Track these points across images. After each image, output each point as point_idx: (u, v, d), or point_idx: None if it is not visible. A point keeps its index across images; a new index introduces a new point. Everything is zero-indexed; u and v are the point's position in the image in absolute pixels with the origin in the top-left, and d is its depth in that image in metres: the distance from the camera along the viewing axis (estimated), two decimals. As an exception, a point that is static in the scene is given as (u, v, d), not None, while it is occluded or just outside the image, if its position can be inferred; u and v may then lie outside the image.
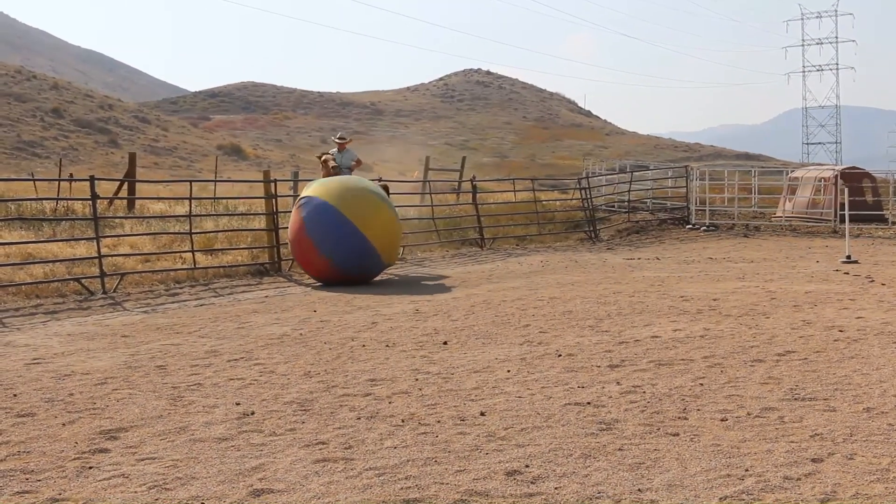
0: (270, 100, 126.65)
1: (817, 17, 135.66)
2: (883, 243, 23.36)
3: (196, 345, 9.78)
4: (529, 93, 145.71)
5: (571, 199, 30.52)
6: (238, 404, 7.05)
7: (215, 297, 14.06)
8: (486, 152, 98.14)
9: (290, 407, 6.95)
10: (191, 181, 18.78)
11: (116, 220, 18.77)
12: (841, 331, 9.96)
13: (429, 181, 26.75)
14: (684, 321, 10.82)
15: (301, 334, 10.36)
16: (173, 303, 13.41)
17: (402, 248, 20.28)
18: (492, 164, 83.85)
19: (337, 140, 18.46)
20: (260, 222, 18.63)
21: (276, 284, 15.55)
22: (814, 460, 5.50)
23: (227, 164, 68.72)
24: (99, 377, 8.13)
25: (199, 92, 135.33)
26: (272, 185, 17.81)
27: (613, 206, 32.26)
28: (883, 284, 14.14)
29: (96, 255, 14.67)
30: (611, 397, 7.09)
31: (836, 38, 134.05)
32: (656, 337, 9.74)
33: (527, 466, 5.45)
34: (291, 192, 26.17)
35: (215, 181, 26.96)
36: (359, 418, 6.59)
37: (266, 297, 14.01)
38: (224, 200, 23.50)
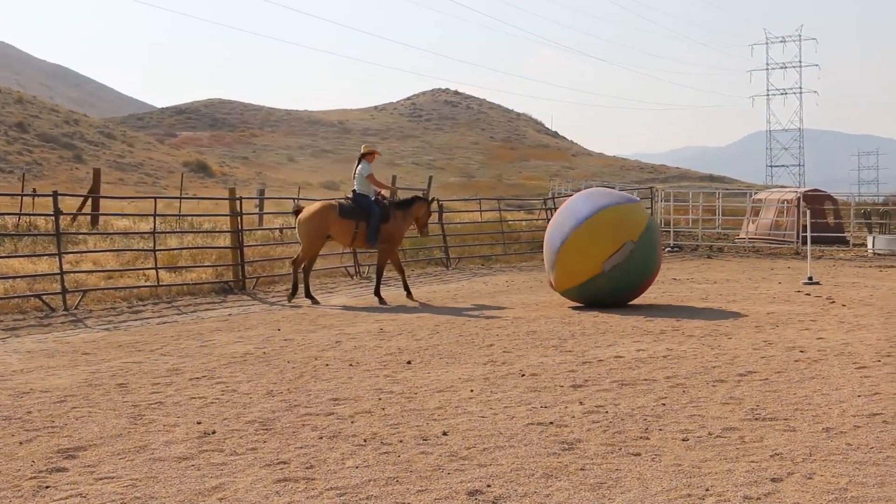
0: (238, 117, 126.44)
1: (781, 41, 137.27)
2: (844, 265, 23.63)
3: (158, 363, 9.71)
4: (497, 113, 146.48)
5: (537, 220, 30.65)
6: (199, 423, 6.99)
7: (178, 314, 13.96)
8: (454, 172, 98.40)
9: (252, 426, 6.91)
10: (156, 198, 18.70)
11: (79, 236, 18.62)
12: (802, 351, 10.04)
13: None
14: (647, 341, 10.87)
15: (264, 353, 10.30)
16: (136, 320, 13.31)
17: (367, 267, 20.27)
18: (459, 184, 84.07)
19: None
20: (225, 240, 18.54)
21: (241, 303, 15.47)
22: (773, 480, 5.53)
23: (192, 181, 68.49)
24: (58, 395, 8.04)
25: (166, 108, 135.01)
26: (238, 202, 17.73)
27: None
28: (843, 306, 14.29)
29: (58, 271, 14.54)
30: (573, 417, 7.10)
31: (800, 62, 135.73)
32: (619, 357, 9.78)
33: (488, 486, 5.45)
34: (257, 210, 26.08)
35: (180, 198, 26.77)
36: (321, 438, 6.56)
37: (230, 315, 13.93)
38: (189, 217, 23.36)
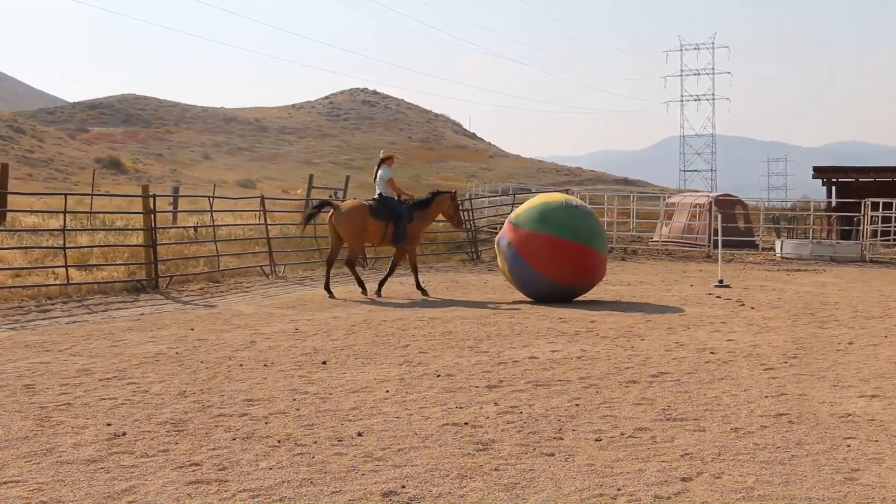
0: (152, 113, 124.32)
1: (695, 48, 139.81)
2: (753, 269, 24.16)
3: (67, 363, 9.50)
4: (415, 113, 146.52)
5: (454, 220, 30.68)
6: (109, 425, 6.86)
7: (89, 314, 13.68)
8: (371, 172, 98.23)
9: (164, 427, 6.80)
10: (66, 194, 18.28)
11: (-15, 233, 18.12)
12: (712, 353, 10.23)
13: (312, 199, 26.59)
14: (562, 342, 10.98)
15: (177, 353, 10.15)
16: (44, 319, 13.00)
17: (283, 267, 20.12)
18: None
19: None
20: (138, 238, 18.23)
21: (153, 302, 15.22)
22: (683, 479, 5.63)
23: (105, 178, 67.14)
24: (-38, 396, 7.82)
25: (79, 103, 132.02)
26: (151, 200, 17.43)
27: (496, 228, 32.58)
28: (752, 308, 14.60)
29: (-37, 268, 14.14)
30: (488, 418, 7.14)
31: (713, 69, 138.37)
32: (534, 358, 9.85)
33: (403, 487, 5.44)
34: (171, 208, 25.71)
35: (92, 195, 26.28)
36: (234, 439, 6.49)
37: (142, 314, 13.70)
38: (101, 215, 22.92)
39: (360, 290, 16.15)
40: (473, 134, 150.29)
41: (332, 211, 16.25)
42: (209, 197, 22.01)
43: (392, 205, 16.23)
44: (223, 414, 7.24)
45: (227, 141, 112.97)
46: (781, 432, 6.75)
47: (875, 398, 7.95)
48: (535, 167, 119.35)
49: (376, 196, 16.45)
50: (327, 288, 16.08)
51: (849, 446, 6.39)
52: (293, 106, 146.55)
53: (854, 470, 5.85)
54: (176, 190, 31.61)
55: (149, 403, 7.61)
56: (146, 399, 7.78)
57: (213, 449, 6.23)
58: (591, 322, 12.80)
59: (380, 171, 16.49)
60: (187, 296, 16.09)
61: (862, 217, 27.66)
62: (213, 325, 12.46)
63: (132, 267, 17.32)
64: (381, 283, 16.52)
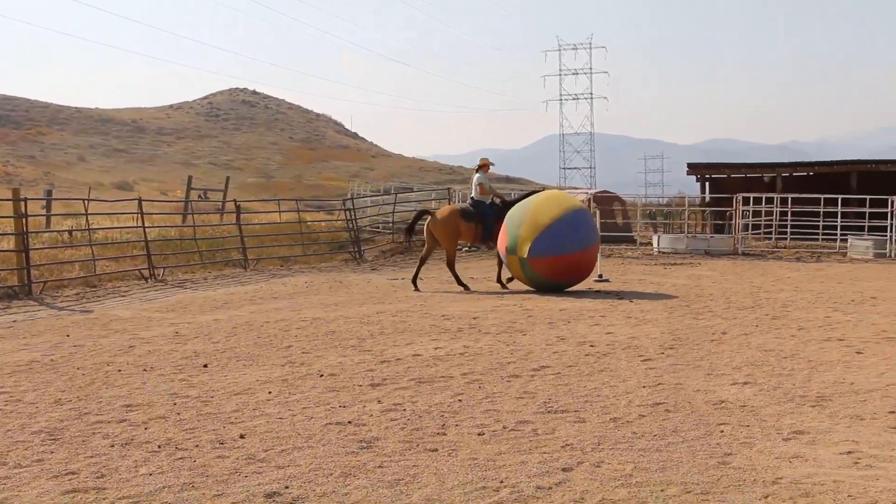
0: (23, 114, 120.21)
1: (573, 48, 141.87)
2: (632, 263, 24.70)
3: (-66, 373, 9.15)
4: (296, 113, 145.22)
5: (336, 220, 30.63)
6: (-20, 435, 6.64)
7: (-43, 322, 13.19)
8: (252, 172, 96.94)
9: (38, 437, 6.61)
10: (-70, 199, 17.59)
11: None
12: (592, 346, 10.44)
13: (191, 201, 26.15)
14: (445, 339, 11.05)
15: (52, 360, 9.87)
16: None
17: (162, 270, 19.77)
18: (257, 185, 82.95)
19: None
20: (8, 243, 17.66)
21: (26, 308, 14.77)
22: (564, 469, 5.74)
23: (-27, 182, 64.70)
24: None
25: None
26: (23, 203, 16.90)
27: (378, 228, 32.60)
28: (631, 302, 14.93)
29: None
30: (372, 416, 7.15)
31: (591, 69, 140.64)
32: (418, 355, 9.89)
33: (286, 487, 5.41)
34: (44, 212, 24.96)
35: (-41, 199, 25.28)
36: (112, 446, 6.35)
37: (14, 321, 13.27)
38: (-32, 220, 22.10)
39: (461, 288, 17.29)
40: (355, 134, 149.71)
41: (429, 218, 17.80)
42: (84, 200, 21.41)
43: (482, 207, 17.72)
44: (101, 420, 7.08)
45: (103, 142, 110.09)
46: (658, 421, 6.94)
47: (747, 385, 8.23)
48: (418, 166, 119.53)
49: (470, 199, 18.12)
50: (414, 281, 17.57)
51: (722, 432, 6.61)
52: (171, 106, 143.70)
53: (727, 454, 6.05)
54: (49, 193, 30.70)
55: (22, 413, 7.38)
56: (19, 408, 7.55)
57: (91, 456, 6.09)
58: (474, 318, 12.92)
59: (475, 176, 18.06)
60: (62, 301, 15.66)
61: (734, 211, 28.54)
62: (89, 331, 12.16)
63: (3, 273, 16.79)
64: (500, 276, 17.78)
